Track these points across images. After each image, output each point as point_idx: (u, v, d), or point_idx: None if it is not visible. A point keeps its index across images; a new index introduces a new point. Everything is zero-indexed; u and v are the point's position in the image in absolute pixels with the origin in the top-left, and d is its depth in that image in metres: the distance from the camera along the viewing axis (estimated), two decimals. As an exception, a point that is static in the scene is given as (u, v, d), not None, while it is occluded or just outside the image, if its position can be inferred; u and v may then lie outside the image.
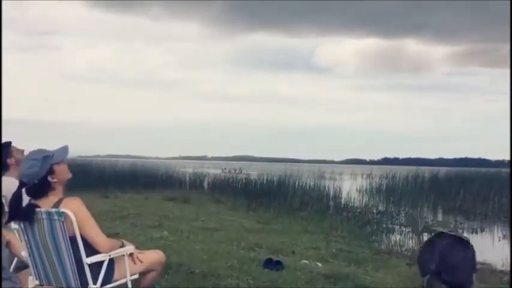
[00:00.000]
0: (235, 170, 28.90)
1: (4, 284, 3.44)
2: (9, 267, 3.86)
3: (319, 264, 6.23)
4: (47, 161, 2.93)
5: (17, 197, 2.92)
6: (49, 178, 2.93)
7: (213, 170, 29.98)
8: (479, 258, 8.46)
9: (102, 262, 2.98)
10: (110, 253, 2.99)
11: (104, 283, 2.98)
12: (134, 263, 3.18)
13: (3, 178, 3.94)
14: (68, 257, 2.87)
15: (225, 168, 26.38)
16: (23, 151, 4.31)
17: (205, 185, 20.53)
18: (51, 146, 3.06)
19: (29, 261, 3.06)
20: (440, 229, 1.50)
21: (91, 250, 2.94)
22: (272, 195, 15.45)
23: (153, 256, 3.39)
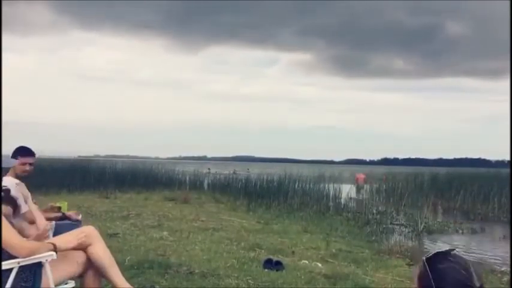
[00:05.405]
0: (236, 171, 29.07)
1: None
2: None
3: (319, 265, 6.23)
4: None
5: None
6: None
7: (213, 170, 29.98)
8: (479, 258, 8.51)
9: (31, 267, 2.73)
10: (19, 260, 2.68)
11: None
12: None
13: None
14: None
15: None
16: None
17: (205, 185, 20.52)
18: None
19: None
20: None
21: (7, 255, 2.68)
22: (272, 195, 15.46)
23: (79, 233, 3.11)
